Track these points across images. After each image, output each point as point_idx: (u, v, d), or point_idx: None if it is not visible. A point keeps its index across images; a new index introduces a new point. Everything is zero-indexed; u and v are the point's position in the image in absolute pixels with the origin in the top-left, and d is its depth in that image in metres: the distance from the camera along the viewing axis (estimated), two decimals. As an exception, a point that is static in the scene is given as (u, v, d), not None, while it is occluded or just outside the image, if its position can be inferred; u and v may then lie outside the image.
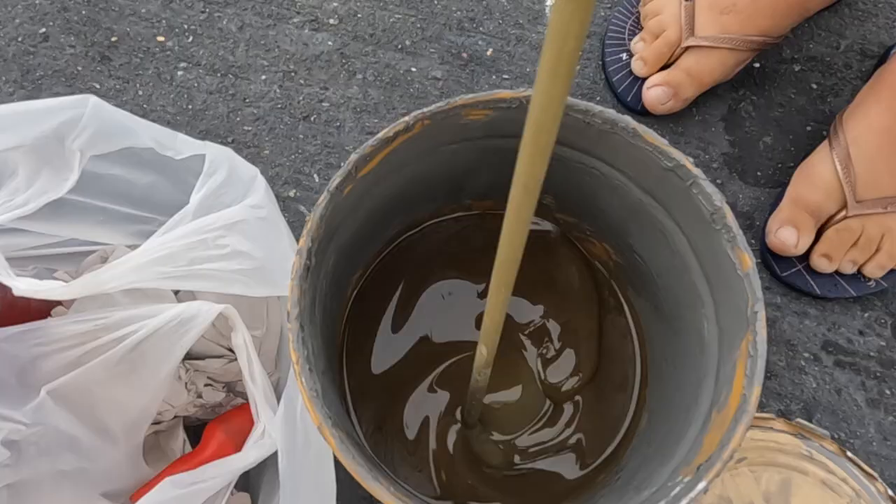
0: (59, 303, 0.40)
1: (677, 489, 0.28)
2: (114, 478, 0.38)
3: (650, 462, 0.35)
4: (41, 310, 0.39)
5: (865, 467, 0.46)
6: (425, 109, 0.33)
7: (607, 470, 0.39)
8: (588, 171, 0.38)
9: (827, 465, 0.46)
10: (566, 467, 0.39)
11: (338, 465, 0.35)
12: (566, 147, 0.37)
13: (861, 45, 0.61)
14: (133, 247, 0.40)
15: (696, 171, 0.32)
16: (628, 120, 0.33)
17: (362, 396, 0.41)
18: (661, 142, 0.33)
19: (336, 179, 0.31)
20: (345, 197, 0.32)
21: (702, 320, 0.35)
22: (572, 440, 0.40)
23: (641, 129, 0.33)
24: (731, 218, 0.32)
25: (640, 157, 0.34)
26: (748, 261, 0.31)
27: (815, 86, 0.59)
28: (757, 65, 0.59)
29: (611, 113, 0.33)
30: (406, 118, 0.32)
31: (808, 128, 0.58)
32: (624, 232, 0.40)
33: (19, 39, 0.56)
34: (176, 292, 0.38)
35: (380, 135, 0.32)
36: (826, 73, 0.60)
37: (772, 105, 0.59)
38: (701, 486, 0.27)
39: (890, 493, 0.45)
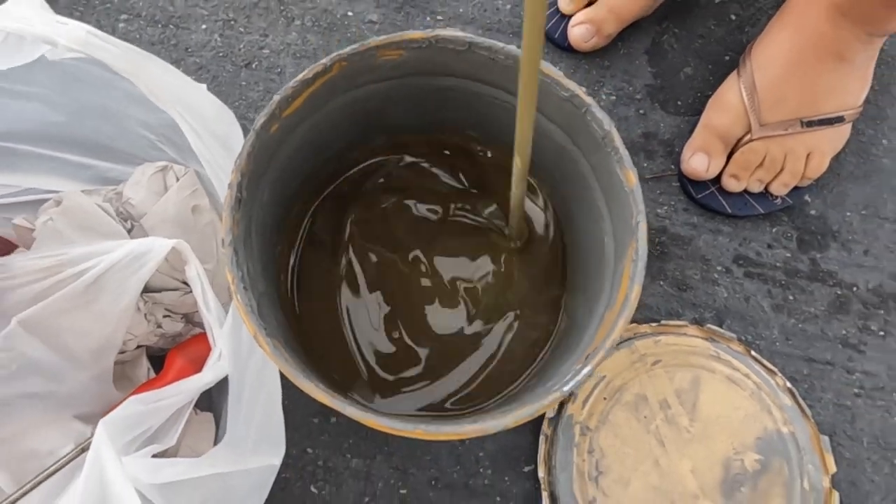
0: (16, 246, 0.43)
1: (569, 376, 0.33)
2: (84, 401, 0.42)
3: (560, 359, 0.40)
4: (3, 252, 0.42)
5: (767, 364, 0.52)
6: (342, 51, 0.36)
7: (534, 368, 0.44)
8: (502, 104, 0.41)
9: (732, 363, 0.51)
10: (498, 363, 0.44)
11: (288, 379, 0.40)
12: (479, 83, 0.40)
13: (778, -24, 0.64)
14: (86, 191, 0.43)
15: (589, 100, 0.36)
16: (528, 55, 0.36)
17: (312, 316, 0.45)
18: (558, 73, 0.36)
19: (261, 119, 0.34)
20: (271, 135, 0.35)
21: (603, 234, 0.39)
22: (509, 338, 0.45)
23: (542, 63, 0.36)
24: (618, 140, 0.36)
25: (541, 88, 0.38)
26: (633, 178, 0.35)
27: (734, 17, 0.63)
28: (679, -2, 0.62)
29: (511, 48, 0.36)
30: (324, 60, 0.35)
31: (727, 57, 0.61)
32: (541, 160, 0.44)
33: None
34: (129, 230, 0.42)
35: (300, 76, 0.35)
36: (745, 4, 0.63)
37: (693, 37, 0.62)
38: (587, 370, 0.32)
39: (788, 385, 0.51)
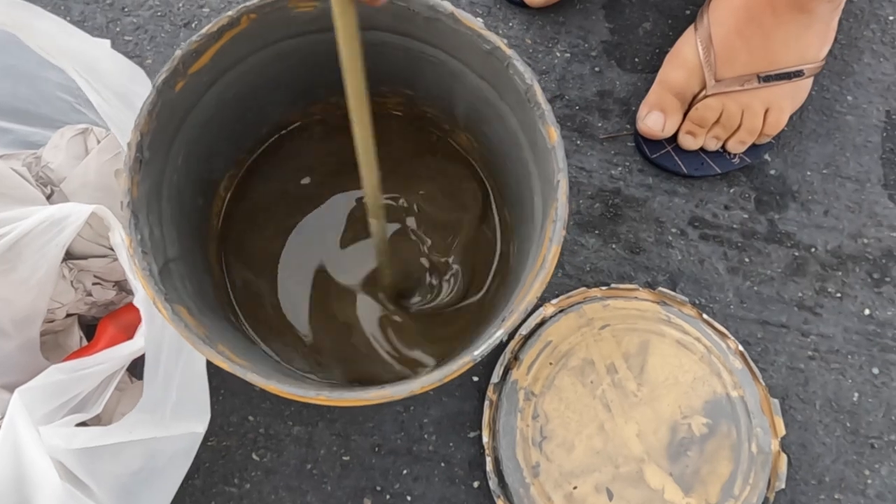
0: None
1: (482, 341, 0.32)
2: (10, 370, 0.41)
3: (486, 324, 0.39)
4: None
5: (719, 327, 0.51)
6: (249, 3, 0.34)
7: (463, 336, 0.43)
8: (429, 59, 0.39)
9: (683, 326, 0.50)
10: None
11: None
12: (404, 36, 0.38)
13: (745, -74, 0.61)
14: (3, 156, 0.42)
15: (510, 52, 0.34)
16: (446, 5, 0.35)
17: (243, 287, 0.44)
18: (478, 25, 0.35)
19: (162, 75, 0.32)
20: (178, 93, 0.34)
21: (532, 193, 0.38)
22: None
23: (459, 13, 0.35)
24: (540, 95, 0.34)
25: (465, 42, 0.36)
26: (554, 135, 0.34)
27: (697, -31, 0.60)
28: (640, -50, 0.60)
29: (428, 1, 0.35)
30: (230, 12, 0.34)
31: (687, 12, 0.59)
32: (475, 118, 0.42)
33: None
34: (49, 195, 0.40)
35: (203, 30, 0.33)
36: (709, -44, 0.61)
37: (652, -10, 0.60)
38: (499, 333, 0.31)
39: (740, 348, 0.50)
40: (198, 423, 0.38)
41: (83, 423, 0.39)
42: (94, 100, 0.33)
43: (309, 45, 0.39)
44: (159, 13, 0.56)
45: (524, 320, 0.48)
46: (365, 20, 0.37)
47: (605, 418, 0.48)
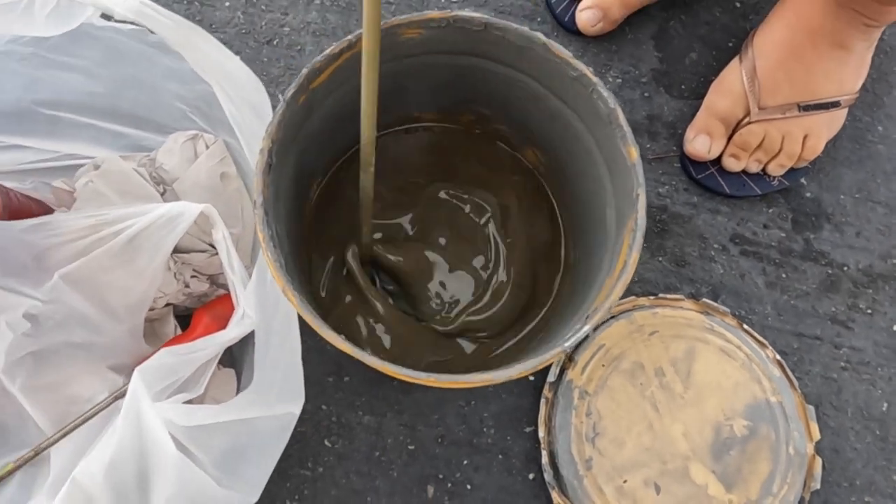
0: (52, 210, 0.46)
1: (570, 334, 0.36)
2: (118, 352, 0.45)
3: (561, 323, 0.43)
4: (42, 213, 0.45)
5: (758, 337, 0.55)
6: (366, 29, 0.38)
7: (538, 328, 0.47)
8: (515, 83, 0.44)
9: (725, 335, 0.54)
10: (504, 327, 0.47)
11: (307, 340, 0.43)
12: (495, 62, 0.43)
13: (784, -34, 0.66)
14: (123, 157, 0.46)
15: (595, 80, 0.39)
16: (540, 36, 0.39)
17: (329, 278, 0.48)
18: (567, 54, 0.39)
19: (291, 90, 0.36)
20: (300, 106, 0.38)
21: (605, 206, 0.42)
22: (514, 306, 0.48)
23: (551, 44, 0.39)
24: (622, 118, 0.38)
25: (552, 68, 0.40)
26: (634, 153, 0.38)
27: (738, 4, 0.65)
28: (687, -15, 0.64)
29: (524, 30, 0.39)
30: (349, 36, 0.38)
31: (730, 44, 0.64)
32: (548, 136, 0.46)
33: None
34: (162, 193, 0.45)
35: (327, 51, 0.37)
36: (750, -7, 0.65)
37: (698, 23, 0.64)
38: (586, 328, 0.35)
39: (777, 357, 0.54)
40: (294, 405, 0.42)
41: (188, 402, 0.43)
42: (228, 108, 0.37)
43: (405, 66, 0.43)
44: (244, 31, 0.60)
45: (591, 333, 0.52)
46: (458, 46, 0.42)
47: (653, 418, 0.52)
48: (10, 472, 0.41)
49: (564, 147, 0.45)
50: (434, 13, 0.39)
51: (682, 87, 0.62)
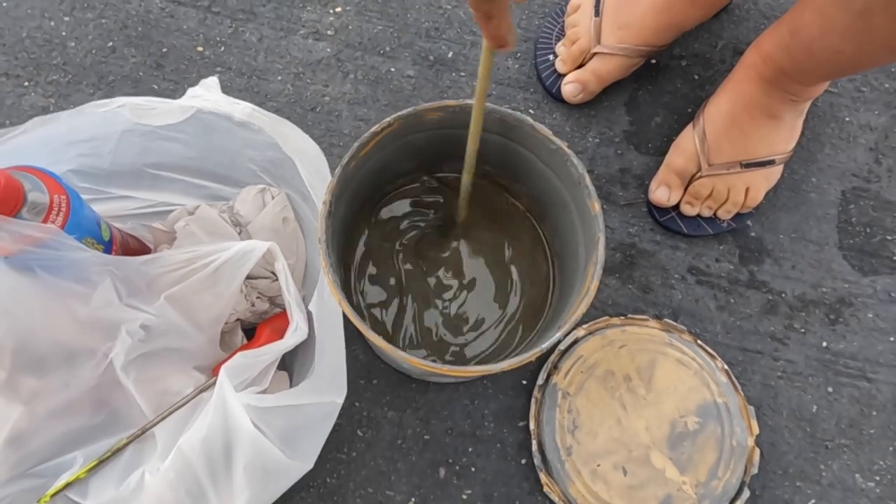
0: (149, 248, 0.59)
1: (546, 340, 0.49)
2: (200, 356, 0.58)
3: (545, 333, 0.55)
4: (142, 249, 0.58)
5: (710, 350, 0.67)
6: (401, 112, 0.52)
7: (531, 339, 0.59)
8: (511, 151, 0.57)
9: (682, 349, 0.67)
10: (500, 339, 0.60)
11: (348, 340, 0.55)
12: (495, 134, 0.56)
13: (734, 44, 0.80)
14: (210, 205, 0.59)
15: (569, 151, 0.52)
16: (528, 119, 0.53)
17: (368, 301, 0.61)
18: (548, 132, 0.52)
19: (346, 158, 0.50)
20: (351, 168, 0.51)
21: (577, 246, 0.55)
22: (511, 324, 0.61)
23: (537, 125, 0.53)
24: (588, 180, 0.51)
25: (538, 142, 0.54)
26: (596, 206, 0.51)
27: (696, 77, 0.79)
28: (654, 61, 0.78)
29: (517, 114, 0.53)
30: (388, 119, 0.52)
31: (689, 110, 0.77)
32: (537, 191, 0.60)
33: (93, 52, 0.74)
34: (239, 233, 0.58)
35: (373, 129, 0.51)
36: (706, 67, 0.79)
37: (663, 92, 0.78)
38: (558, 335, 0.48)
39: (725, 367, 0.66)
40: (339, 396, 0.55)
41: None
42: (304, 175, 0.50)
43: (428, 137, 0.56)
44: (292, 100, 0.74)
45: (563, 340, 0.64)
46: (468, 124, 0.55)
47: (621, 415, 0.64)
48: (125, 446, 0.53)
49: (549, 199, 0.59)
50: (450, 102, 0.52)
51: (649, 145, 0.76)
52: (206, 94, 0.48)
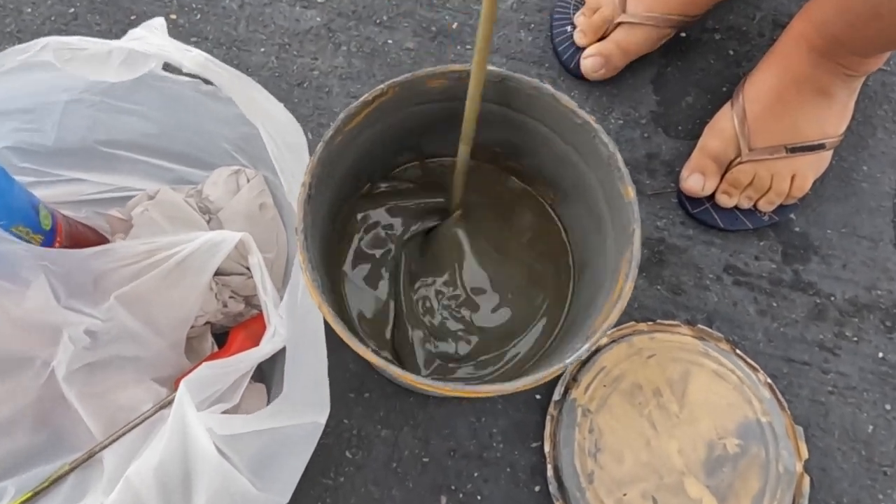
0: (106, 239, 0.51)
1: (570, 352, 0.40)
2: (162, 366, 0.49)
3: (566, 343, 0.47)
4: (99, 241, 0.50)
5: (750, 361, 0.59)
6: (396, 79, 0.43)
7: (547, 349, 0.51)
8: (527, 128, 0.49)
9: (719, 359, 0.58)
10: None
11: (331, 358, 0.47)
12: (509, 109, 0.47)
13: (773, 16, 0.72)
14: (174, 188, 0.51)
15: (597, 126, 0.44)
16: (548, 87, 0.44)
17: (355, 301, 0.52)
18: (573, 104, 0.44)
19: (329, 132, 0.41)
20: (336, 145, 0.43)
21: (605, 239, 0.47)
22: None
23: (559, 94, 0.44)
24: (620, 160, 0.43)
25: (559, 115, 0.45)
26: (630, 192, 0.42)
27: (731, 52, 0.70)
28: (683, 34, 0.70)
29: (535, 82, 0.44)
30: (381, 86, 0.43)
31: (724, 88, 0.69)
32: (555, 174, 0.51)
33: (52, 19, 0.66)
34: (208, 221, 0.49)
35: (362, 98, 0.42)
36: (742, 41, 0.71)
37: (694, 69, 0.69)
38: (585, 346, 0.39)
39: (768, 380, 0.58)
40: (320, 415, 0.46)
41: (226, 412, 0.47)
42: (270, 148, 0.42)
43: (430, 111, 0.48)
44: (277, 74, 0.66)
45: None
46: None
47: (650, 435, 0.56)
48: (66, 474, 0.45)
49: (570, 183, 0.50)
50: (456, 66, 0.44)
51: (679, 128, 0.67)
52: (150, 37, 0.40)
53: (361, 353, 0.39)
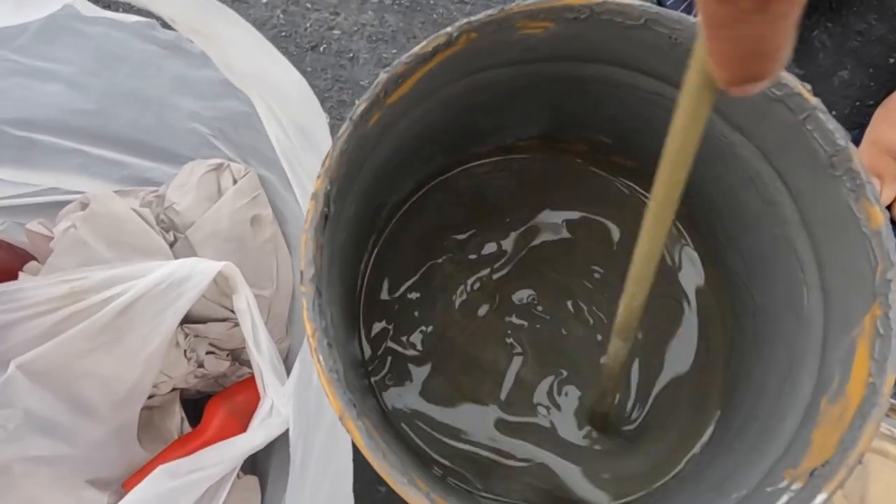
0: (31, 257, 0.34)
1: (784, 497, 0.23)
2: (101, 463, 0.33)
3: (729, 456, 0.29)
4: (9, 269, 0.33)
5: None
6: (472, 18, 0.26)
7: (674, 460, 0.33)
8: (662, 103, 0.31)
9: (907, 444, 0.40)
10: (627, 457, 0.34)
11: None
12: (641, 73, 0.30)
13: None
14: (120, 192, 0.34)
15: (815, 101, 0.26)
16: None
17: (383, 370, 0.35)
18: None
19: (361, 105, 0.24)
20: (370, 128, 0.26)
21: (799, 285, 0.29)
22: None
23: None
24: (857, 161, 0.25)
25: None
26: (878, 215, 0.25)
27: (898, 13, 0.52)
28: (832, -12, 0.52)
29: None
30: (449, 29, 0.26)
31: (892, 60, 0.51)
32: (698, 178, 0.33)
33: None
34: (171, 244, 0.32)
35: (415, 50, 0.25)
36: (912, -2, 0.52)
37: (849, 34, 0.51)
38: (820, 498, 0.22)
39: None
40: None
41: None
42: (273, 132, 0.25)
43: (510, 78, 0.30)
44: (283, 33, 0.48)
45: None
46: (593, 50, 0.30)
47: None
48: None
49: (727, 194, 0.32)
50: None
51: (833, 113, 0.49)
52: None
53: (402, 492, 0.21)
